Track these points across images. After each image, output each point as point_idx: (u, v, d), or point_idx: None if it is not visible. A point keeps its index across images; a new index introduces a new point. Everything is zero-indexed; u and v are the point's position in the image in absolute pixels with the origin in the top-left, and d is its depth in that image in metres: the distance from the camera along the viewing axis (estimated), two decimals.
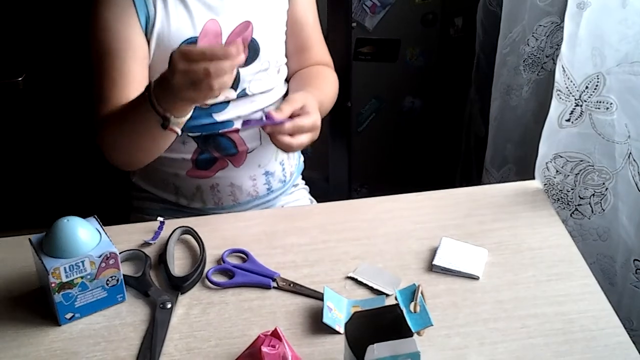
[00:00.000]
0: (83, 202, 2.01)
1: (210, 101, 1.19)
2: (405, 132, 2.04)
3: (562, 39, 1.38)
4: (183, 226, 1.10)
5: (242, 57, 0.96)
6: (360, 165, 1.89)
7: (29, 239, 0.98)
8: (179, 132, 1.06)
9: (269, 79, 1.24)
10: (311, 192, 1.42)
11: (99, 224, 1.01)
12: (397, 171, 2.08)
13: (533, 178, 1.19)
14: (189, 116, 1.06)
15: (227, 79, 0.96)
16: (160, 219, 1.12)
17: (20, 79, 1.91)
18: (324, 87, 1.27)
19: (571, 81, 1.08)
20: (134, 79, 1.14)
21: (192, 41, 1.15)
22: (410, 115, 2.01)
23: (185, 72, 0.96)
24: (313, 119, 1.12)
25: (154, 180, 1.30)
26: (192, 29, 1.16)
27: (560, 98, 1.09)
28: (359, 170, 1.87)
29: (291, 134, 1.10)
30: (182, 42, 1.15)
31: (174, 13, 1.15)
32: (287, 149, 1.12)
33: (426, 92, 1.99)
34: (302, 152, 1.39)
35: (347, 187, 1.45)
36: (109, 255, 0.96)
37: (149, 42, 1.16)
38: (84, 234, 0.96)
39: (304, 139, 1.11)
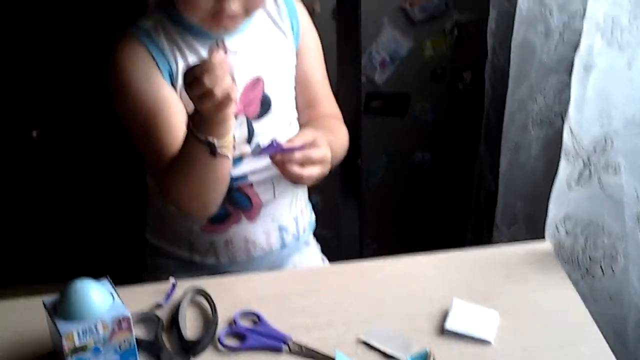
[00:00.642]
0: (97, 257, 2.02)
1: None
2: (415, 187, 2.04)
3: (569, 96, 1.41)
4: (195, 287, 1.11)
5: (224, 55, 0.99)
6: (370, 220, 1.89)
7: (43, 302, 0.98)
8: (230, 156, 1.07)
9: (281, 132, 1.25)
10: (322, 250, 1.42)
11: (112, 285, 1.01)
12: (407, 225, 2.08)
13: (543, 237, 1.19)
14: (231, 137, 1.07)
15: (224, 84, 0.98)
16: (172, 280, 1.12)
17: (34, 132, 1.96)
18: (333, 134, 1.28)
19: (579, 143, 1.08)
20: (179, 129, 1.13)
21: None
22: (420, 169, 2.02)
23: (192, 95, 1.00)
24: (323, 152, 1.14)
25: (168, 236, 1.31)
26: None
27: (568, 160, 1.10)
28: (370, 225, 1.87)
29: (301, 165, 1.11)
30: None
31: None
32: (296, 179, 1.12)
33: (436, 147, 2.01)
34: (313, 209, 1.40)
35: (358, 245, 1.46)
36: (121, 319, 0.96)
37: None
38: (97, 297, 0.97)
39: (314, 171, 1.13)
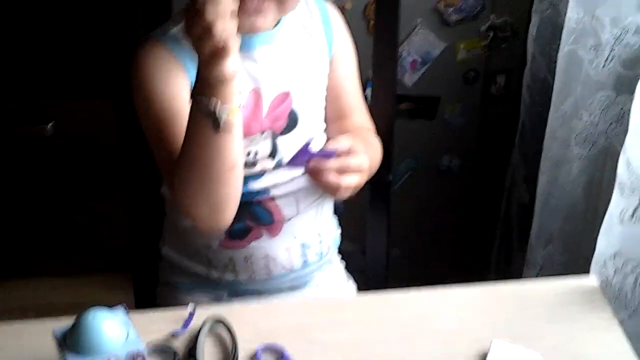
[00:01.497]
0: (110, 255, 1.99)
1: (247, 171, 1.12)
2: (441, 192, 1.97)
3: (616, 114, 1.33)
4: (214, 317, 1.04)
5: None
6: (392, 225, 1.83)
7: (53, 332, 0.92)
8: (234, 124, 0.96)
9: None
10: (347, 267, 1.35)
11: (127, 314, 0.95)
12: (431, 231, 2.01)
13: (578, 258, 1.12)
14: (236, 108, 0.96)
15: (226, 23, 0.89)
16: (190, 308, 1.05)
17: (48, 125, 1.90)
18: (368, 145, 1.21)
19: (636, 177, 1.00)
20: None
21: None
22: (448, 174, 1.95)
23: (190, 30, 0.90)
24: (360, 158, 1.07)
25: (185, 251, 1.24)
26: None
27: (623, 193, 1.02)
28: (391, 230, 1.81)
29: (338, 173, 1.04)
30: None
31: None
32: (334, 189, 1.05)
33: (465, 152, 1.93)
34: (339, 218, 1.33)
35: (384, 262, 1.39)
36: (135, 355, 0.90)
37: None
38: (111, 330, 0.90)
39: (352, 179, 1.05)
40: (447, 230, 2.01)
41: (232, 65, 0.92)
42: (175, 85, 1.08)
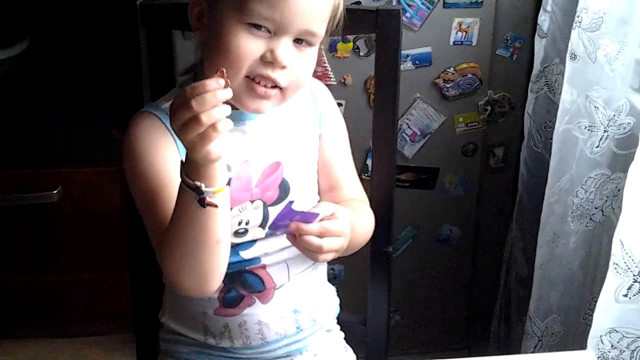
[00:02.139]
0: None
1: (238, 240, 1.16)
2: (441, 261, 1.99)
3: (611, 191, 1.37)
4: None
5: (223, 84, 0.93)
6: (393, 291, 1.85)
7: None
8: (218, 205, 1.00)
9: None
10: (347, 337, 1.37)
11: None
12: (431, 299, 2.02)
13: (576, 330, 1.14)
14: (221, 186, 0.99)
15: (216, 112, 0.91)
16: None
17: (55, 191, 1.94)
18: (357, 213, 1.24)
19: (630, 256, 1.04)
20: None
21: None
22: (448, 243, 1.97)
23: (176, 120, 0.93)
24: (342, 224, 1.09)
25: (184, 319, 1.26)
26: (227, 170, 1.14)
27: (617, 272, 1.05)
28: (392, 296, 1.83)
29: (319, 237, 1.07)
30: None
31: None
32: (316, 251, 1.08)
33: (464, 221, 1.96)
34: (335, 279, 1.35)
35: (385, 333, 1.40)
36: None
37: None
38: None
39: (333, 243, 1.08)
40: (448, 299, 2.02)
41: (216, 149, 0.95)
42: (166, 157, 1.11)
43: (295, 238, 1.09)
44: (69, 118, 1.99)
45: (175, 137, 1.10)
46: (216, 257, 1.06)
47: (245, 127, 1.15)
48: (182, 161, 1.01)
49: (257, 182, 1.16)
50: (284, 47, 1.05)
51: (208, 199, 0.98)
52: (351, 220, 1.14)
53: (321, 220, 1.08)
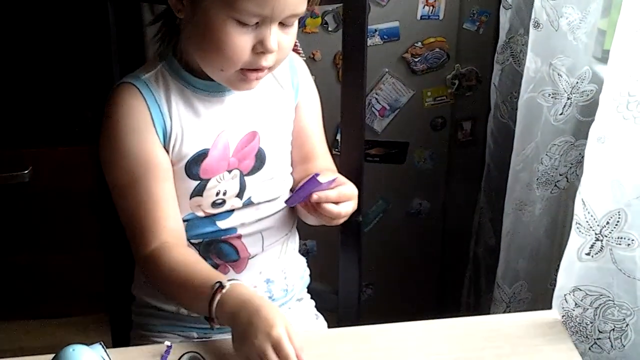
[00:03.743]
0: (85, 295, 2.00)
1: (215, 210, 1.19)
2: (412, 234, 2.02)
3: (575, 158, 1.40)
4: (191, 351, 1.07)
5: None
6: (365, 265, 1.87)
7: None
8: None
9: (274, 187, 1.23)
10: (318, 306, 1.39)
11: (105, 350, 0.98)
12: (403, 272, 2.05)
13: (545, 296, 1.16)
14: None
15: None
16: (167, 343, 1.08)
17: (26, 171, 1.93)
18: None
19: (591, 215, 1.06)
20: (165, 198, 1.12)
21: (204, 152, 1.15)
22: (418, 217, 2.00)
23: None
24: (350, 187, 1.15)
25: (156, 291, 1.27)
26: (204, 141, 1.15)
27: (580, 231, 1.08)
28: (364, 271, 1.85)
29: (336, 203, 1.11)
30: (194, 154, 1.15)
31: (188, 125, 1.15)
32: (335, 217, 1.13)
33: (434, 195, 1.98)
34: (308, 253, 1.37)
35: (356, 302, 1.43)
36: None
37: (167, 152, 1.14)
38: None
39: (348, 206, 1.13)
40: (419, 271, 2.05)
41: None
42: (147, 142, 1.12)
43: (310, 207, 1.12)
44: (37, 97, 1.98)
45: (153, 114, 1.12)
46: None
47: (224, 98, 1.17)
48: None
49: (234, 151, 1.17)
50: (273, 35, 1.06)
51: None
52: None
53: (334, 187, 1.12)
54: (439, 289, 2.06)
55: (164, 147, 1.14)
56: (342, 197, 1.12)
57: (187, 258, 1.12)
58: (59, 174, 1.98)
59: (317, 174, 1.10)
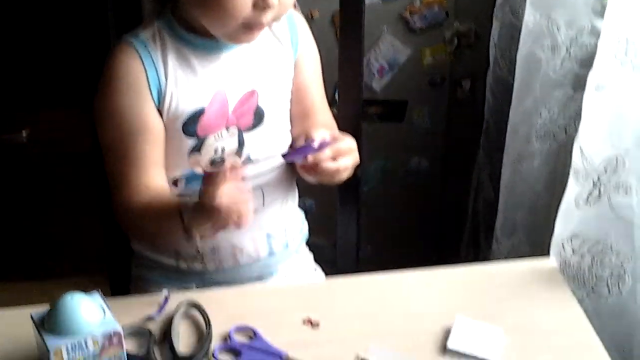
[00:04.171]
0: (83, 257, 2.01)
1: (215, 168, 1.18)
2: (411, 192, 2.02)
3: (574, 110, 1.39)
4: (189, 300, 1.07)
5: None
6: (365, 223, 1.88)
7: (31, 316, 0.95)
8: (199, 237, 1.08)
9: (273, 145, 1.23)
10: (317, 258, 1.39)
11: (103, 298, 0.98)
12: (402, 230, 2.05)
13: (543, 248, 1.17)
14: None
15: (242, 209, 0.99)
16: (165, 292, 1.09)
17: (23, 132, 1.93)
18: None
19: (589, 162, 1.06)
20: (152, 161, 1.14)
21: (201, 110, 1.15)
22: (417, 175, 2.00)
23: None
24: (348, 141, 1.14)
25: (156, 245, 1.27)
26: (201, 99, 1.15)
27: (577, 179, 1.08)
28: (364, 228, 1.86)
29: (333, 159, 1.11)
30: (191, 112, 1.14)
31: (184, 84, 1.14)
32: (335, 175, 1.13)
33: (433, 153, 1.98)
34: (307, 213, 1.37)
35: (354, 255, 1.43)
36: (112, 334, 0.93)
37: (161, 113, 1.14)
38: (87, 312, 0.94)
39: (347, 161, 1.13)
40: (418, 228, 2.06)
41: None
42: (140, 105, 1.13)
43: (308, 168, 1.12)
44: (34, 59, 1.97)
45: (148, 73, 1.12)
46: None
47: (222, 56, 1.16)
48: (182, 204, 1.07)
49: (233, 109, 1.17)
50: None
51: (192, 234, 1.06)
52: None
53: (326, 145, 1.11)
54: (438, 246, 2.06)
55: (158, 109, 1.14)
56: (337, 153, 1.12)
57: (156, 193, 1.14)
58: (56, 136, 1.97)
59: (312, 140, 1.10)
